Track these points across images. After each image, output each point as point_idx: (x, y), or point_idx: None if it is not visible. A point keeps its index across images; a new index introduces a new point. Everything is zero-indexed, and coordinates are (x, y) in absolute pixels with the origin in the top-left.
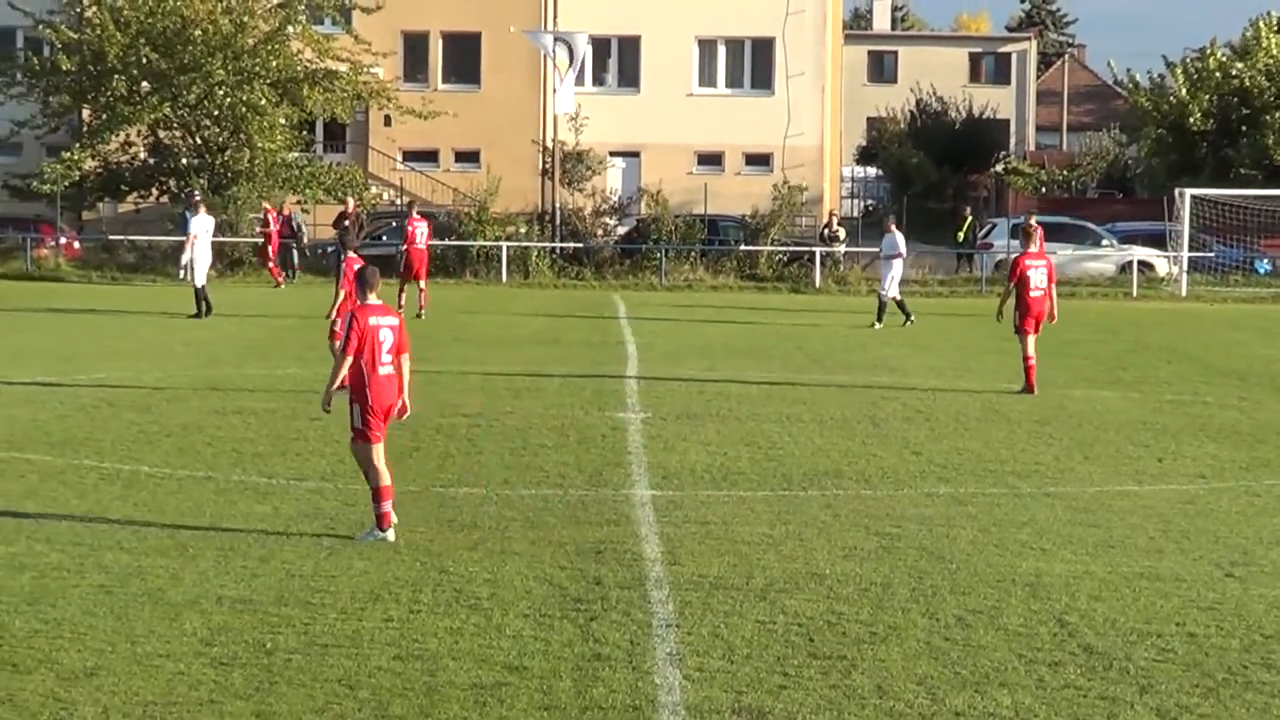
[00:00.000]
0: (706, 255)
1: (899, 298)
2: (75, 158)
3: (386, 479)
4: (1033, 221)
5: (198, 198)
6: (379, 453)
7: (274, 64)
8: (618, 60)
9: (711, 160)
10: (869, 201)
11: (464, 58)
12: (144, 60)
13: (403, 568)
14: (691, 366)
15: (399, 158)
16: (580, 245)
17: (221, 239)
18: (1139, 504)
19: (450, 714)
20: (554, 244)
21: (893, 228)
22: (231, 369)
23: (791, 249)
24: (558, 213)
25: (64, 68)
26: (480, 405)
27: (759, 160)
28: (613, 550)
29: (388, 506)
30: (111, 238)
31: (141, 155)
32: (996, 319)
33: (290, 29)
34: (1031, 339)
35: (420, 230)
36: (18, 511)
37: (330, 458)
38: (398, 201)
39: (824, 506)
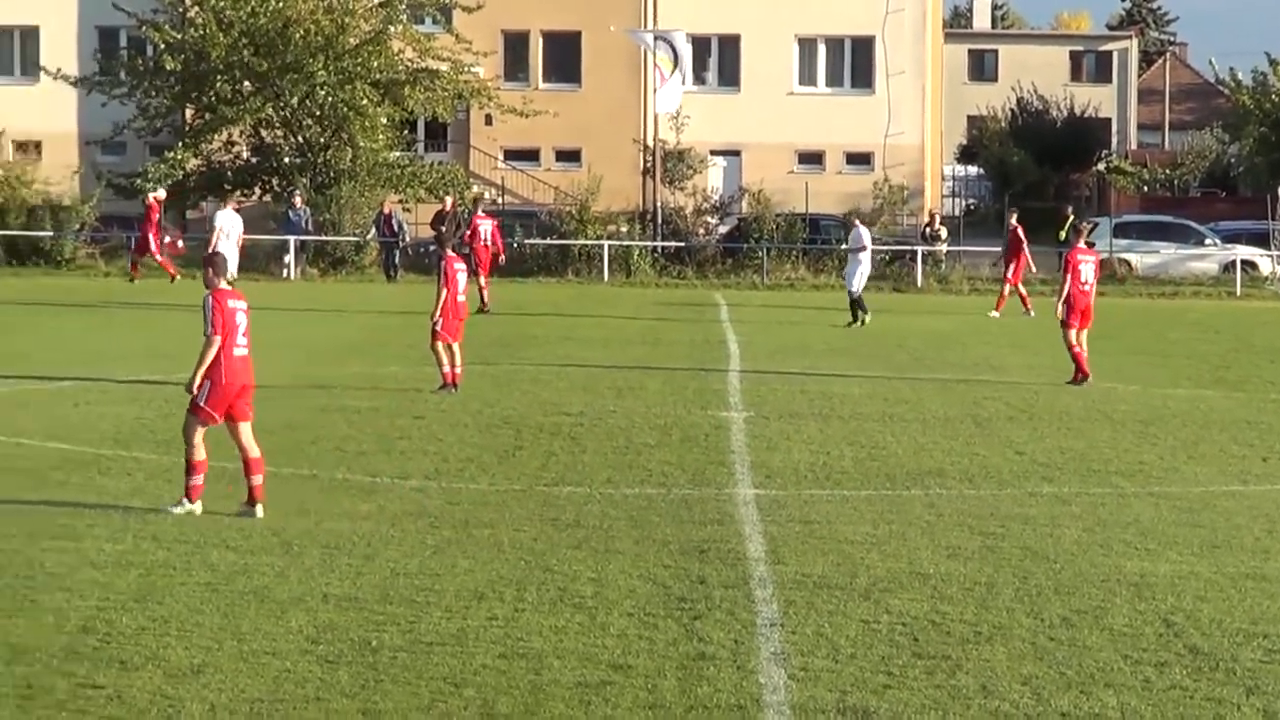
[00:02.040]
0: (808, 254)
1: (858, 294)
2: (178, 157)
3: (255, 452)
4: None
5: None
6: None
7: (375, 64)
8: (717, 59)
9: (812, 159)
10: (970, 200)
11: (564, 56)
12: (246, 61)
13: (507, 566)
14: (793, 365)
15: (500, 156)
16: (682, 244)
17: (324, 237)
18: (1245, 504)
19: (555, 712)
20: (655, 243)
21: (858, 223)
22: (334, 367)
23: (893, 248)
24: (659, 212)
25: (167, 68)
26: (583, 404)
27: (859, 159)
28: (716, 549)
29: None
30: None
31: (244, 155)
32: (1056, 316)
33: (391, 29)
34: (1073, 333)
35: (484, 229)
36: (126, 508)
37: (434, 456)
38: (499, 201)
39: (927, 506)
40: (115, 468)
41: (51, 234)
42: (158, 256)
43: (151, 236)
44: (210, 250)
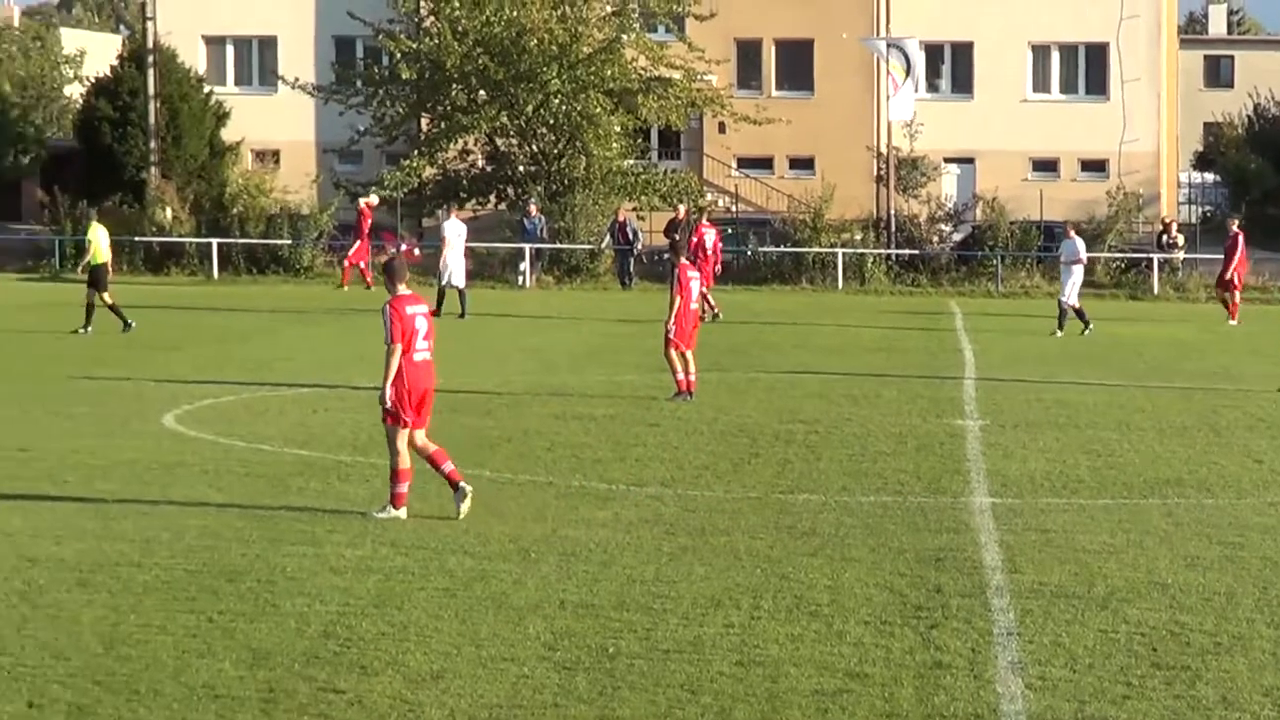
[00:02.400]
0: (1042, 262)
1: (1077, 305)
2: (414, 165)
3: (407, 462)
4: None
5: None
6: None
7: (609, 72)
8: (950, 66)
9: (1046, 166)
10: (1207, 208)
11: (797, 64)
12: (481, 69)
13: (743, 574)
14: (1029, 373)
15: (733, 164)
16: (916, 252)
17: (559, 245)
18: None
19: None
20: (889, 251)
21: (1072, 233)
22: (570, 375)
23: (1129, 255)
24: (893, 219)
25: (403, 77)
26: (819, 412)
27: (1094, 166)
28: (952, 558)
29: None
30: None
31: (479, 163)
32: None
33: (624, 37)
34: None
35: (709, 237)
36: (364, 514)
37: (669, 463)
38: (732, 209)
39: (1165, 515)
40: (354, 474)
41: (290, 242)
42: (359, 264)
43: (359, 242)
44: (388, 258)
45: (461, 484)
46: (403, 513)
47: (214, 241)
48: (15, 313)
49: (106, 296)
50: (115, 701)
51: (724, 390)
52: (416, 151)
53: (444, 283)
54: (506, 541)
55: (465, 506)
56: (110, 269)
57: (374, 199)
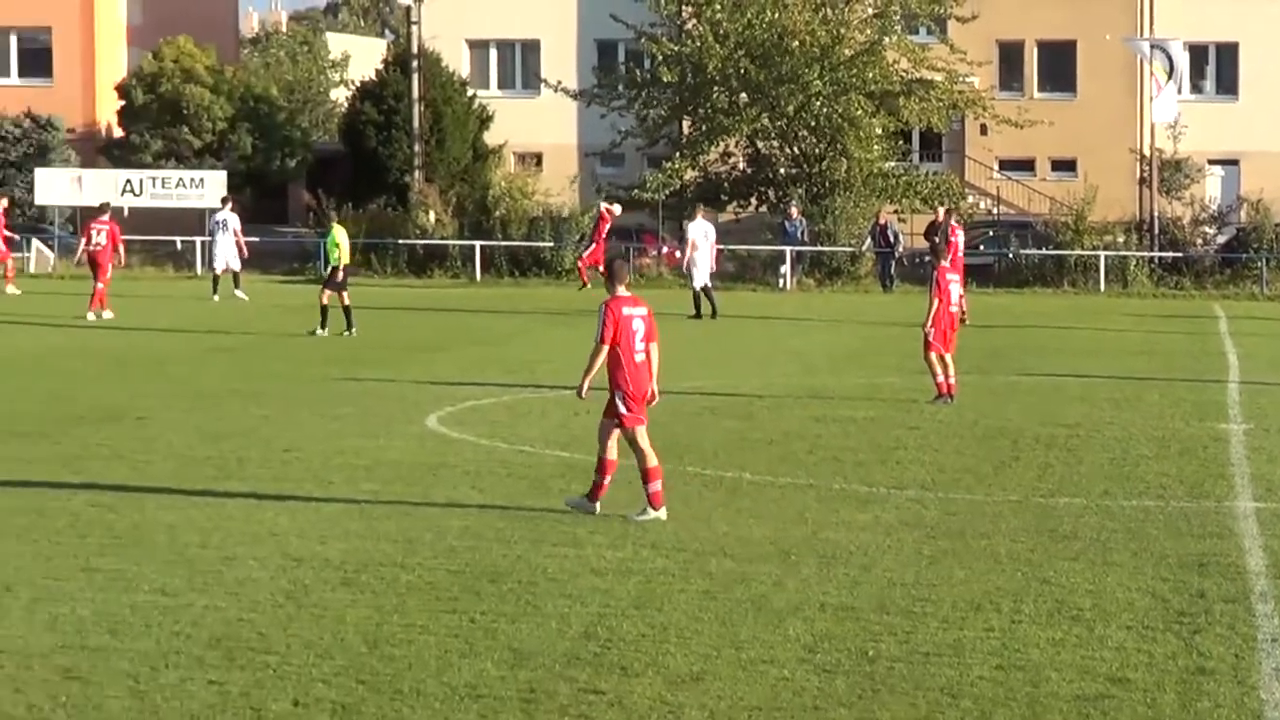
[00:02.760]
0: None
1: None
2: (676, 168)
3: (653, 460)
4: None
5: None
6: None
7: (870, 75)
8: (1215, 67)
9: None
10: None
11: (1059, 66)
12: (742, 72)
13: (1003, 577)
14: None
15: (995, 166)
16: (1179, 254)
17: (819, 248)
18: None
19: None
20: (1153, 253)
21: None
22: (830, 377)
23: None
24: (1156, 222)
25: (664, 80)
26: (1080, 415)
27: None
28: (1216, 563)
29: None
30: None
31: (740, 165)
32: None
33: (886, 39)
34: None
35: (960, 239)
36: (625, 516)
37: (930, 466)
38: (994, 211)
39: None
40: (616, 477)
41: (551, 244)
42: (593, 265)
43: (594, 245)
44: (607, 258)
45: (660, 510)
46: (663, 513)
47: (476, 244)
48: (281, 315)
49: (343, 296)
50: (379, 700)
51: (985, 393)
52: (678, 154)
53: (695, 285)
54: (767, 544)
55: (588, 506)
56: (344, 272)
57: (617, 209)
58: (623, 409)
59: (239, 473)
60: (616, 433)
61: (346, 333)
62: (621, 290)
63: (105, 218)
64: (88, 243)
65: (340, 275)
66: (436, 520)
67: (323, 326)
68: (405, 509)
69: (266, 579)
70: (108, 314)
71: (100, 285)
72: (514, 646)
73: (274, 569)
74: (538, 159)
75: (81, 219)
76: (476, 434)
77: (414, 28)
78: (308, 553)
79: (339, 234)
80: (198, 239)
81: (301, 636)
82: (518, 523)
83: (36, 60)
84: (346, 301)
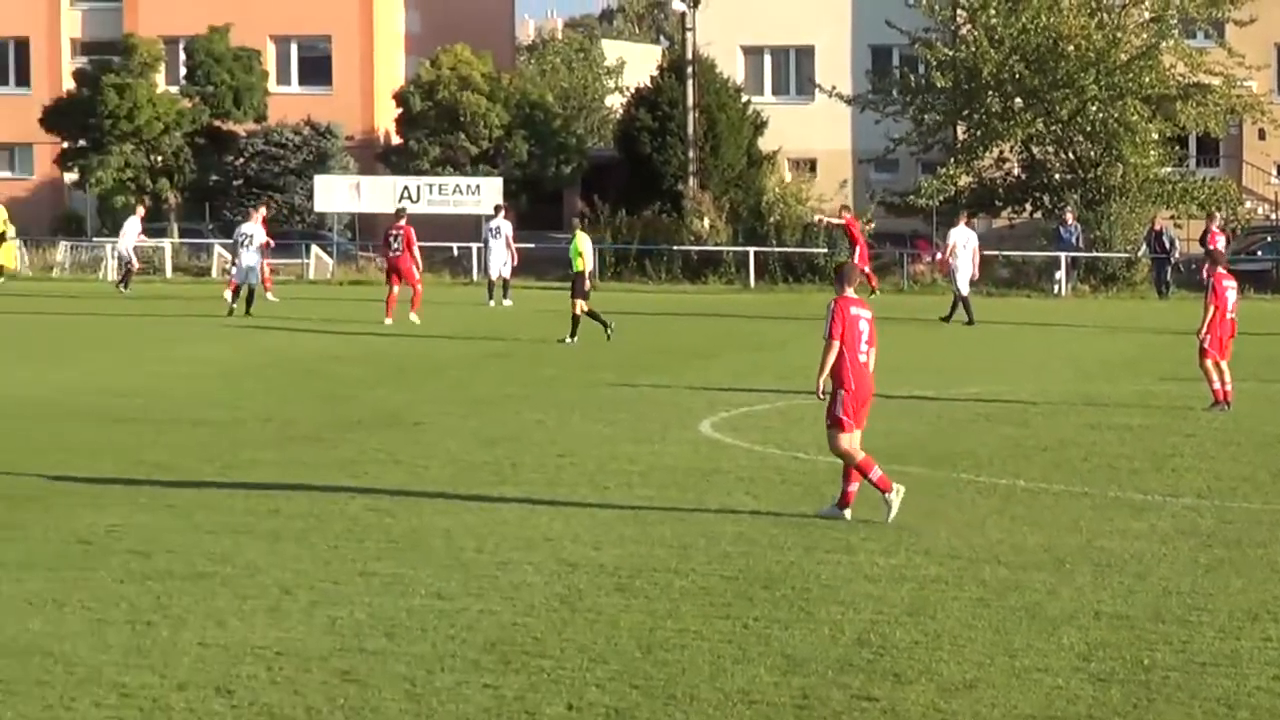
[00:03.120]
0: None
1: None
2: (951, 174)
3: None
4: None
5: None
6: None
7: (1146, 79)
8: None
9: None
10: None
11: None
12: (1017, 76)
13: None
14: None
15: (1274, 172)
16: None
17: (1095, 254)
18: None
19: None
20: None
21: None
22: (1105, 384)
23: None
24: None
25: (938, 85)
26: None
27: None
28: None
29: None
30: (986, 253)
31: (1014, 171)
32: None
33: (1163, 44)
34: None
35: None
36: (898, 523)
37: (1206, 474)
38: (1272, 217)
39: None
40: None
41: (825, 250)
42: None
43: (860, 248)
44: (837, 261)
45: (847, 509)
46: (895, 497)
47: (750, 250)
48: (553, 320)
49: (576, 305)
50: (652, 706)
51: (1262, 401)
52: (952, 160)
53: (957, 290)
54: (1041, 551)
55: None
56: (588, 279)
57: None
58: (840, 412)
59: (514, 477)
60: (853, 436)
61: (567, 340)
62: (850, 292)
63: (402, 223)
64: (387, 249)
65: (584, 283)
66: (710, 526)
67: (572, 335)
68: (679, 514)
69: (541, 584)
70: (388, 321)
71: (417, 288)
72: (787, 653)
73: (548, 574)
74: (811, 165)
75: (360, 226)
76: (750, 440)
77: (689, 34)
78: (582, 558)
79: (581, 241)
80: (474, 245)
81: (575, 641)
82: (791, 529)
83: (316, 68)
84: (578, 311)
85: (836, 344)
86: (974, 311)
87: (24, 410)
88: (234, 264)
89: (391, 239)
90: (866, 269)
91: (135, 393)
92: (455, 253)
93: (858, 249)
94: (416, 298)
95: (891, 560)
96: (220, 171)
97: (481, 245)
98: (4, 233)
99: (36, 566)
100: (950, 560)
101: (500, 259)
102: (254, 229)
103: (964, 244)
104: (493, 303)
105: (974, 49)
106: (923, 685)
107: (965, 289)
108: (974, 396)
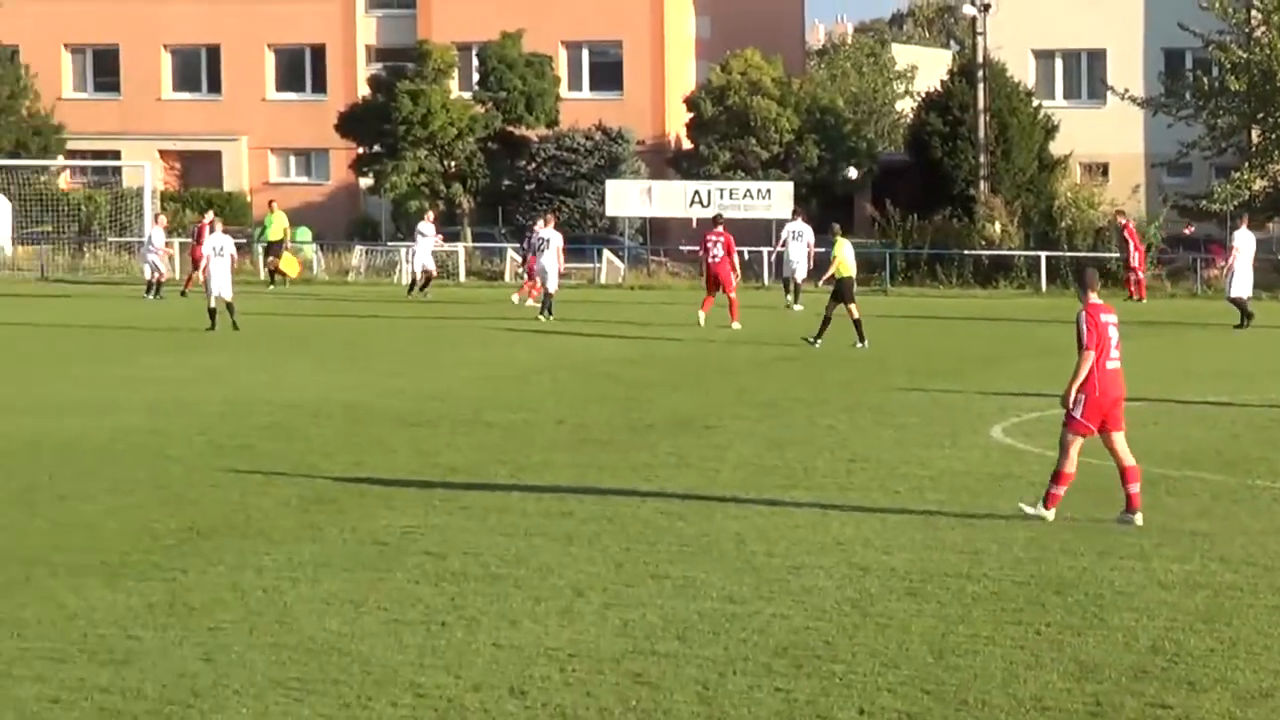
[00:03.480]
0: None
1: None
2: (1245, 178)
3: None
4: None
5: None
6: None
7: None
8: None
9: None
10: None
11: None
12: None
13: None
14: None
15: None
16: None
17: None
18: None
19: None
20: None
21: None
22: None
23: None
24: None
25: (1232, 88)
26: None
27: None
28: None
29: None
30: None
31: None
32: None
33: None
34: None
35: None
36: (1193, 530)
37: None
38: None
39: None
40: (1181, 488)
41: (1116, 255)
42: (1139, 275)
43: (1136, 254)
44: (1078, 266)
45: (1137, 513)
46: (1051, 514)
47: (1042, 254)
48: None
49: (854, 309)
50: (944, 711)
51: None
52: (1246, 164)
53: (1230, 295)
54: None
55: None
56: (847, 284)
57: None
58: (1077, 414)
59: (805, 481)
60: (1079, 443)
61: (859, 344)
62: (1094, 298)
63: (719, 229)
64: (706, 255)
65: (844, 288)
66: (1002, 531)
67: (818, 336)
68: (970, 519)
69: (832, 588)
70: (735, 325)
71: (731, 295)
72: (1080, 659)
73: (839, 578)
74: (1103, 169)
75: (651, 230)
76: (1042, 446)
77: (979, 38)
78: (873, 562)
79: (840, 246)
80: (764, 249)
81: (867, 645)
82: (1083, 535)
83: (607, 73)
84: (855, 315)
85: (1092, 354)
86: (1250, 317)
87: (319, 412)
88: (524, 268)
89: (710, 244)
90: (1140, 275)
91: (428, 395)
92: (745, 257)
93: (1135, 254)
94: (734, 306)
95: (1186, 567)
96: (512, 176)
97: (780, 248)
98: (283, 240)
99: (333, 567)
100: (1245, 567)
101: (798, 261)
102: (549, 233)
103: (1245, 248)
104: (798, 306)
105: (1269, 51)
106: (1218, 693)
107: (1237, 293)
108: (1270, 403)
